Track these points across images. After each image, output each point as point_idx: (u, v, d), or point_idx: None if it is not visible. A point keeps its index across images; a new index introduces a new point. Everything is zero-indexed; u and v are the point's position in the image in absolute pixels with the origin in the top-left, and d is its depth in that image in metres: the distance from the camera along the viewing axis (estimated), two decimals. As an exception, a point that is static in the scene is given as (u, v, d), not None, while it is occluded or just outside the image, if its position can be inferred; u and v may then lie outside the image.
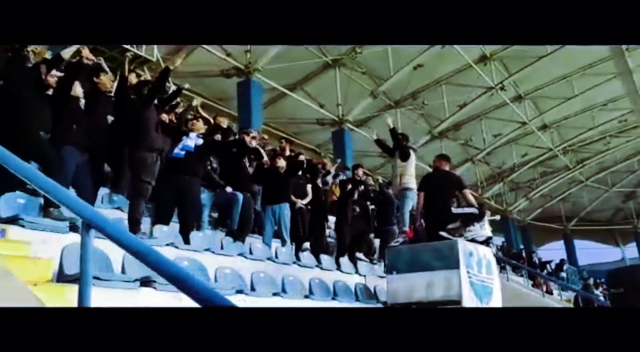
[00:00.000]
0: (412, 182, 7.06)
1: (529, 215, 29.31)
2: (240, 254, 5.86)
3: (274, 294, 4.99)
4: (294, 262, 6.56)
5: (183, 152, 5.75)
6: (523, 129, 21.93)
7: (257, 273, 5.42)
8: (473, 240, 6.36)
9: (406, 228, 6.95)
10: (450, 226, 6.24)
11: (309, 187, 7.90)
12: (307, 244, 7.42)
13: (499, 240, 25.75)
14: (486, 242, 6.55)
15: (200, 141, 5.90)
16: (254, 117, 14.15)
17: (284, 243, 7.07)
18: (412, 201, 6.99)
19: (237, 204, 6.36)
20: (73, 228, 4.27)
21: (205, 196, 6.35)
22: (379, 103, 18.40)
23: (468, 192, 6.46)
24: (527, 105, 20.94)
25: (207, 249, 5.45)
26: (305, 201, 7.67)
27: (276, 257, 6.67)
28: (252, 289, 5.22)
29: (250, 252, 6.43)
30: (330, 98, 17.34)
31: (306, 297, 5.38)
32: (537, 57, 17.39)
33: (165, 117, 6.51)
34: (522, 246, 24.22)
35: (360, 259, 8.40)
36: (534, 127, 21.78)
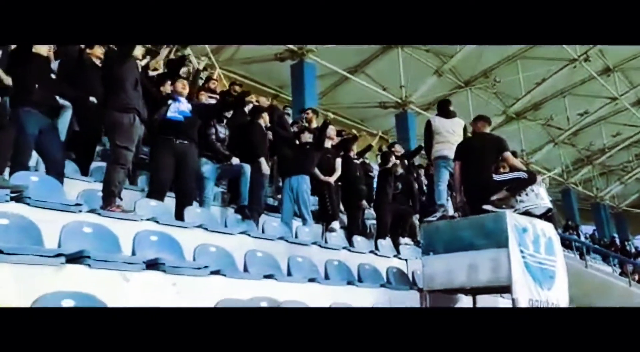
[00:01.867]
0: (446, 148, 5.85)
1: (624, 201, 26.24)
2: (243, 232, 4.99)
3: (267, 276, 4.06)
4: (314, 243, 5.58)
5: (181, 117, 5.00)
6: (613, 106, 19.46)
7: (252, 252, 4.50)
8: (527, 213, 5.09)
9: (442, 202, 5.78)
10: (494, 197, 5.02)
11: (338, 161, 6.89)
12: (335, 224, 6.42)
13: (589, 228, 23.32)
14: (545, 215, 5.25)
15: (189, 106, 5.14)
16: (308, 100, 13.27)
17: (304, 221, 6.13)
18: (448, 170, 5.84)
19: (244, 177, 5.49)
20: (17, 198, 3.59)
21: (209, 168, 5.52)
22: (445, 83, 16.91)
23: (510, 155, 5.22)
24: (617, 78, 18.54)
25: (199, 226, 4.62)
26: (333, 177, 6.68)
27: (295, 237, 5.75)
28: (245, 270, 4.32)
29: (263, 231, 5.57)
30: (393, 80, 16.12)
31: (311, 280, 4.39)
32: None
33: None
34: (615, 234, 21.62)
35: (405, 243, 7.27)
36: (626, 102, 19.28)
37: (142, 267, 3.31)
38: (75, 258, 3.05)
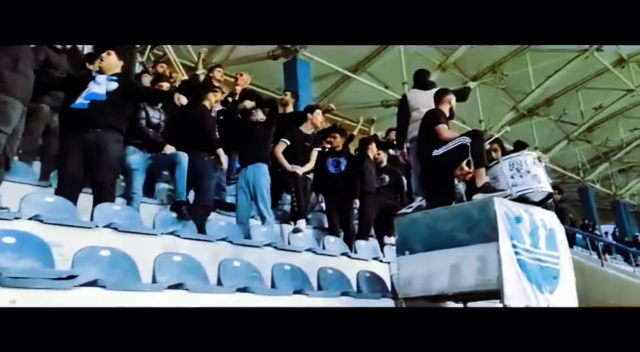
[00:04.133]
0: (415, 129, 4.72)
1: (645, 198, 24.44)
2: (172, 233, 3.94)
3: (173, 287, 2.98)
4: (268, 245, 4.50)
5: (87, 102, 3.96)
6: (630, 98, 17.91)
7: (166, 256, 3.44)
8: (522, 199, 3.94)
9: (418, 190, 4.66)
10: (479, 183, 3.93)
11: (314, 152, 5.83)
12: (301, 224, 5.32)
13: (609, 227, 21.69)
14: (545, 202, 4.09)
15: (114, 85, 4.07)
16: (303, 99, 12.23)
17: (263, 220, 5.06)
18: None
19: (179, 167, 4.43)
20: None
21: (137, 158, 4.50)
22: (449, 77, 15.62)
23: (443, 128, 4.17)
24: (632, 69, 17.05)
25: (108, 226, 3.59)
26: (303, 169, 5.59)
27: (248, 238, 4.69)
28: (154, 281, 3.26)
29: (204, 232, 4.51)
30: (396, 77, 15.00)
31: (241, 290, 3.30)
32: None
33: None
34: (638, 233, 19.99)
35: (391, 244, 6.12)
36: (643, 95, 17.75)
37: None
38: None
